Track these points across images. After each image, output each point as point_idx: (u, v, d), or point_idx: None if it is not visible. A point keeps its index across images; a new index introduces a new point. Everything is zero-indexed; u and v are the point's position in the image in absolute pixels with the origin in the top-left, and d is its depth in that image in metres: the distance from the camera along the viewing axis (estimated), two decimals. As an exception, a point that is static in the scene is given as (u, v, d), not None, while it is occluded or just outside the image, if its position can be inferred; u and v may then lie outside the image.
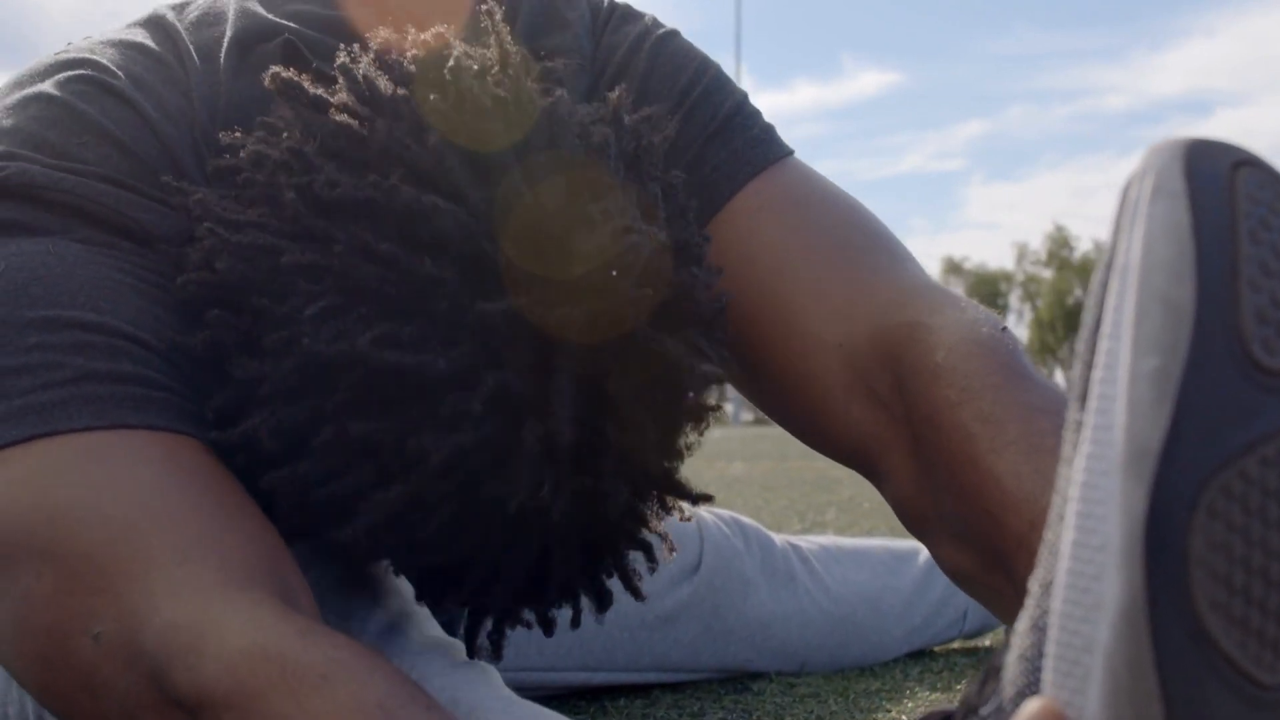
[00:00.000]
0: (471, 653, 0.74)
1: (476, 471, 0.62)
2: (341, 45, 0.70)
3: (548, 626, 0.74)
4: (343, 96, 0.68)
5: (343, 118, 0.67)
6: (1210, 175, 0.46)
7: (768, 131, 0.93)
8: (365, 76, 0.68)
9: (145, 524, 0.63)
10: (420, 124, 0.64)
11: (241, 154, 0.69)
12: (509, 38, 0.68)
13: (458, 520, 0.64)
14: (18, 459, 0.64)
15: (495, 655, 0.75)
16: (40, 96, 0.75)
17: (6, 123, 0.74)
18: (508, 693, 0.72)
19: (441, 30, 0.70)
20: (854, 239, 0.86)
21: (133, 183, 0.72)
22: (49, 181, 0.71)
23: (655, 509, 0.70)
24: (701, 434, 0.67)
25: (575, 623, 0.74)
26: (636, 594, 0.73)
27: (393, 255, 0.61)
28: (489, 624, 0.75)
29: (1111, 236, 0.47)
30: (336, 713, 0.56)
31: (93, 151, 0.73)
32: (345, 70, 0.69)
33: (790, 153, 0.93)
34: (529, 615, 0.74)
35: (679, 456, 0.68)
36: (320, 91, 0.69)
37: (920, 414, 0.75)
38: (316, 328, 0.62)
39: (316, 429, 0.63)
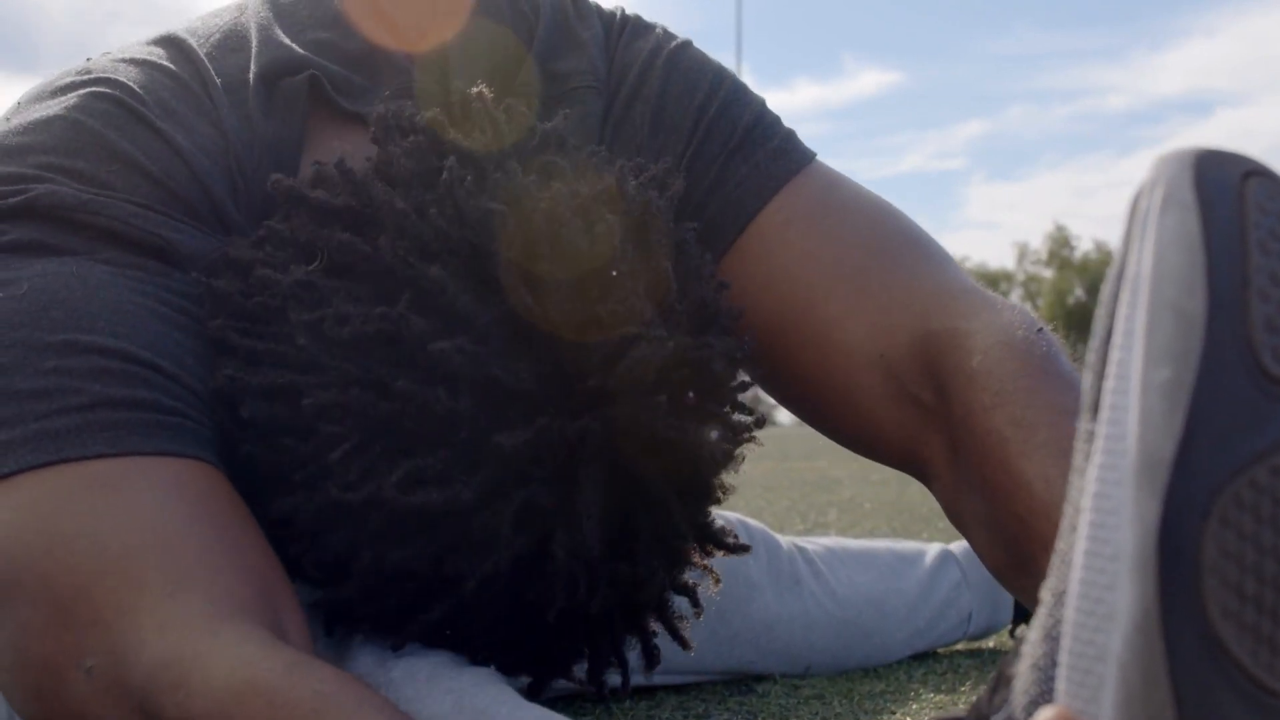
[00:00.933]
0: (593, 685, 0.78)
1: (513, 585, 0.64)
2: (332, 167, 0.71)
3: (601, 688, 0.75)
4: (346, 200, 0.68)
5: (345, 236, 0.67)
6: (1220, 185, 0.47)
7: (788, 140, 0.92)
8: (363, 182, 0.69)
9: (140, 555, 0.63)
10: (422, 240, 0.65)
11: (250, 276, 0.69)
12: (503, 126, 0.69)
13: (502, 623, 0.67)
14: (28, 486, 0.64)
15: (600, 692, 0.78)
16: (67, 119, 0.74)
17: (33, 140, 0.74)
18: (516, 695, 0.73)
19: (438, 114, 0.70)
20: (885, 244, 0.86)
21: (163, 208, 0.72)
22: (77, 204, 0.71)
23: (692, 558, 0.73)
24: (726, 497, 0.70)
25: (625, 687, 0.76)
26: (684, 644, 0.74)
27: (409, 391, 0.62)
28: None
29: (1122, 247, 0.48)
30: None
31: (121, 180, 0.73)
32: (346, 173, 0.69)
33: (813, 157, 0.92)
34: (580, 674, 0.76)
35: (709, 515, 0.70)
36: (322, 194, 0.69)
37: (957, 418, 0.76)
38: (344, 471, 0.63)
39: (354, 555, 0.65)
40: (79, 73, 0.79)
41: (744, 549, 0.73)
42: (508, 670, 0.73)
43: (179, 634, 0.60)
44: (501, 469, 0.62)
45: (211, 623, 0.61)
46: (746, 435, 0.69)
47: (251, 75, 0.79)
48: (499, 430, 0.61)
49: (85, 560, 0.63)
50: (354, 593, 0.65)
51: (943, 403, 0.78)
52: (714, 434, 0.65)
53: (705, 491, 0.69)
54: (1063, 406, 0.71)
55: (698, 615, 0.75)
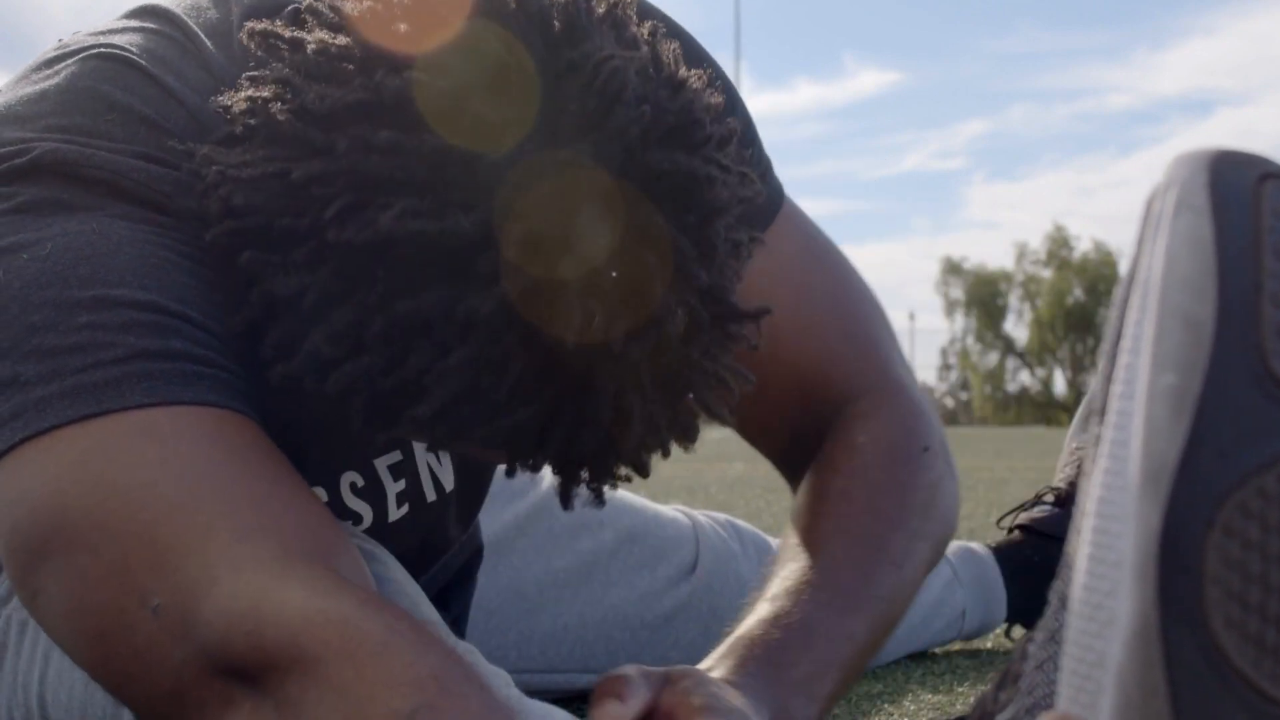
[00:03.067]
0: (567, 506, 0.73)
1: (529, 319, 0.63)
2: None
3: (642, 469, 0.71)
4: (318, 34, 0.68)
5: (321, 38, 0.67)
6: (1235, 189, 0.46)
7: (770, 184, 0.96)
8: (332, 6, 0.69)
9: (202, 501, 0.63)
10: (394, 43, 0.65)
11: (235, 108, 0.69)
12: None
13: (528, 375, 0.64)
14: (72, 439, 0.64)
15: (599, 502, 0.73)
16: (61, 83, 0.75)
17: (27, 112, 0.74)
18: (516, 692, 0.73)
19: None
20: (840, 307, 0.99)
21: (163, 155, 0.73)
22: (81, 158, 0.71)
23: (718, 338, 0.69)
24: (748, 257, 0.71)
25: (666, 450, 0.71)
26: (724, 419, 0.72)
27: (393, 141, 0.62)
28: (581, 486, 0.72)
29: (1134, 250, 0.47)
30: (393, 680, 0.57)
31: (120, 129, 0.73)
32: (313, 9, 0.70)
33: (784, 197, 0.98)
34: (628, 470, 0.71)
35: (729, 276, 0.69)
36: (296, 32, 0.70)
37: (818, 463, 0.93)
38: (340, 227, 0.63)
39: (369, 323, 0.63)
40: (59, 48, 0.79)
41: (767, 310, 0.72)
42: (540, 454, 0.70)
43: (254, 572, 0.61)
44: (498, 202, 0.62)
45: (284, 562, 0.62)
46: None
47: (235, 18, 0.80)
48: (487, 161, 0.62)
49: (145, 508, 0.63)
50: (373, 362, 0.64)
51: (814, 444, 0.94)
52: (717, 174, 0.67)
53: (714, 244, 0.67)
54: (867, 534, 0.87)
55: (731, 409, 0.72)
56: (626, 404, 0.66)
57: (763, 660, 0.77)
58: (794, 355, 0.94)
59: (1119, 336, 0.45)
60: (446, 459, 0.96)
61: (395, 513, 0.92)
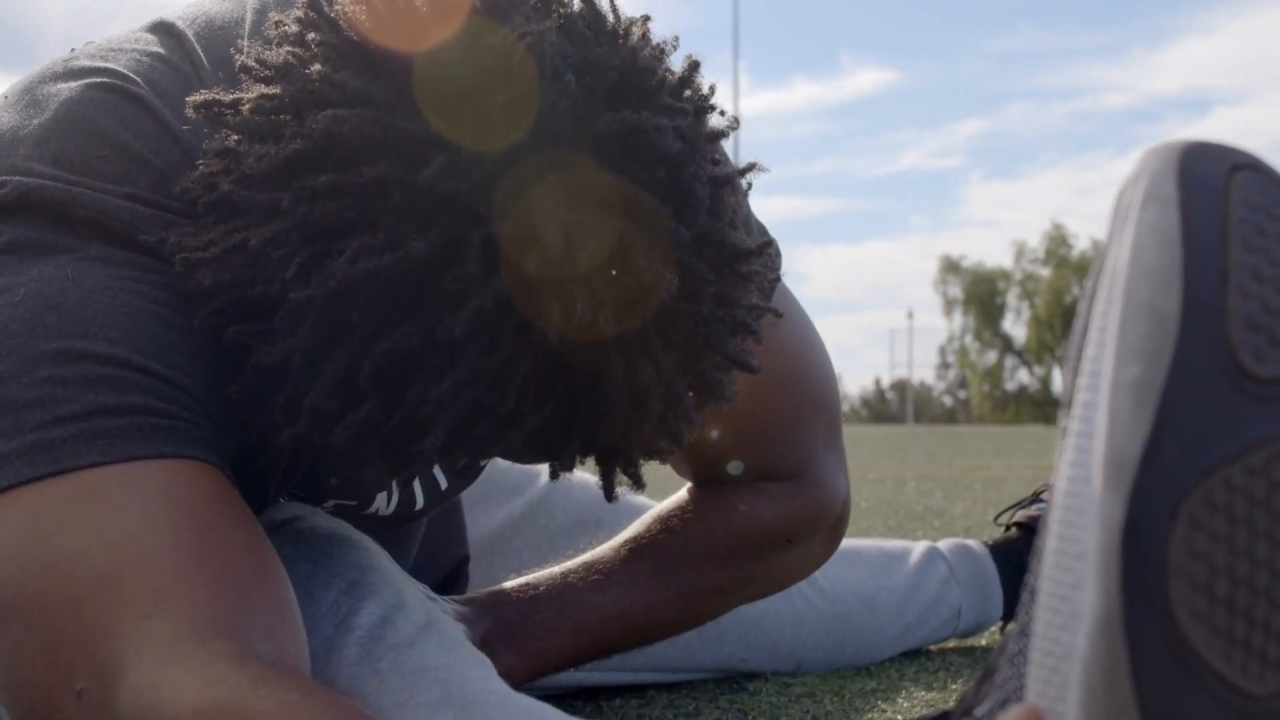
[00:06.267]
0: (610, 497, 0.72)
1: (513, 321, 0.61)
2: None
3: (677, 439, 0.70)
4: (254, 90, 0.68)
5: (256, 94, 0.67)
6: (1204, 180, 0.46)
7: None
8: (260, 59, 0.68)
9: (124, 574, 0.63)
10: (330, 80, 0.64)
11: (192, 190, 0.69)
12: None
13: (530, 383, 0.63)
14: (24, 501, 0.65)
15: (638, 486, 0.73)
16: (60, 105, 0.74)
17: (25, 128, 0.74)
18: (504, 686, 0.72)
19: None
20: (786, 406, 1.03)
21: (152, 197, 0.72)
22: (67, 197, 0.70)
23: (729, 283, 0.67)
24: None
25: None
26: (750, 368, 0.69)
27: (333, 183, 0.62)
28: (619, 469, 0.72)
29: (1105, 241, 0.47)
30: None
31: (111, 166, 0.72)
32: (246, 69, 0.69)
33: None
34: (664, 444, 0.70)
35: (724, 215, 0.66)
36: (235, 93, 0.69)
37: (695, 497, 1.04)
38: (303, 284, 0.62)
39: (358, 369, 0.63)
40: (66, 61, 0.78)
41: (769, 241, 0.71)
42: (569, 451, 0.69)
43: (153, 657, 0.61)
44: (449, 218, 0.61)
45: (184, 644, 0.61)
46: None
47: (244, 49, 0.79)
48: (424, 174, 0.60)
49: (75, 580, 0.63)
50: (374, 408, 0.63)
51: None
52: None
53: (675, 164, 0.64)
54: (669, 564, 1.01)
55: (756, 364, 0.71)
56: (640, 382, 0.65)
57: (497, 613, 0.95)
58: (729, 434, 0.99)
59: (1086, 329, 0.44)
60: None
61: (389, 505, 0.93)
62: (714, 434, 1.02)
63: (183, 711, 0.59)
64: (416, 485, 0.95)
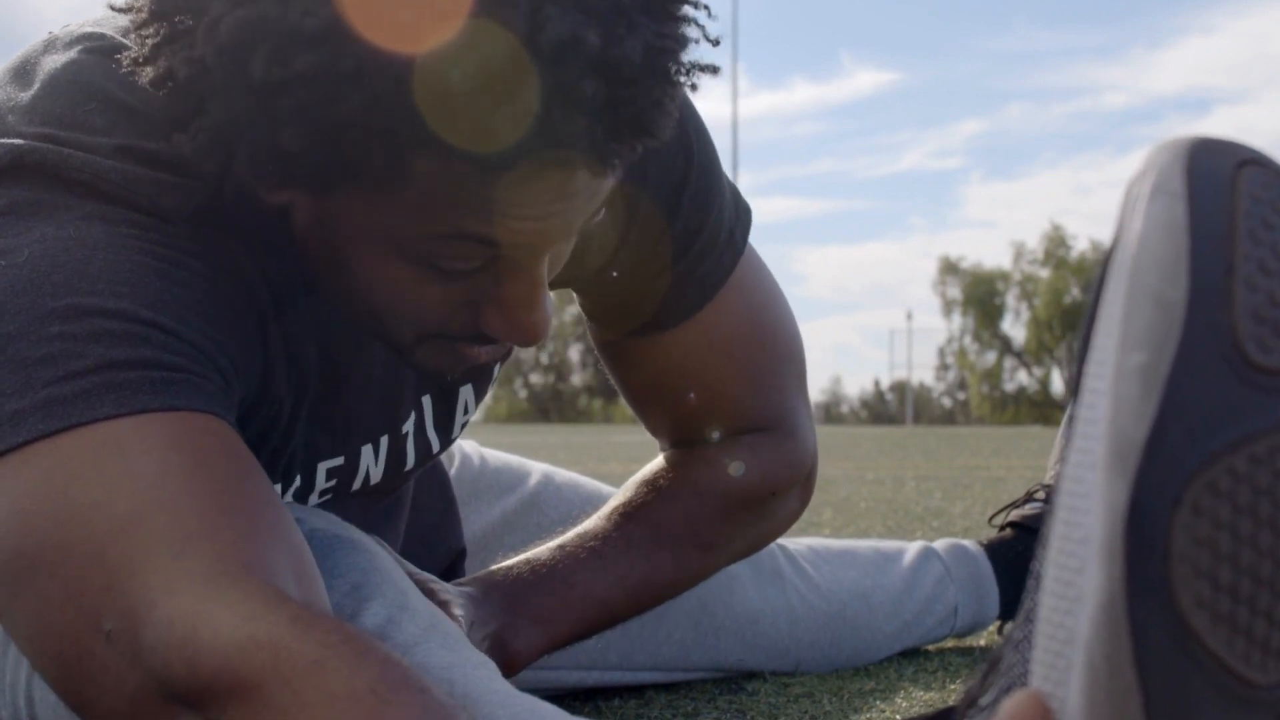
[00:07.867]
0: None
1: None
2: None
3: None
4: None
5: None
6: (1211, 174, 0.46)
7: (728, 246, 1.00)
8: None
9: (149, 516, 0.64)
10: None
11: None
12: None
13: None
14: (41, 456, 0.65)
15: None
16: (47, 73, 0.76)
17: (14, 99, 0.75)
18: (507, 685, 0.73)
19: None
20: (760, 360, 1.07)
21: (144, 145, 0.73)
22: (59, 159, 0.71)
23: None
24: None
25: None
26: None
27: None
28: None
29: (1113, 233, 0.48)
30: (330, 698, 0.57)
31: (100, 118, 0.73)
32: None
33: (734, 266, 1.01)
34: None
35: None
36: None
37: (680, 455, 1.08)
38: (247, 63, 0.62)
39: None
40: (47, 41, 0.80)
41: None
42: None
43: (186, 594, 0.61)
44: None
45: (217, 581, 0.62)
46: None
47: None
48: None
49: (97, 528, 0.63)
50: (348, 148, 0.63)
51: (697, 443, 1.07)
52: None
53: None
54: (662, 528, 1.03)
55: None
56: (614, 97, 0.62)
57: (504, 590, 0.97)
58: (707, 395, 1.04)
59: (1094, 317, 0.45)
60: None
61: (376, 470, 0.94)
62: (714, 435, 1.07)
63: (220, 645, 0.59)
64: (409, 444, 0.95)
